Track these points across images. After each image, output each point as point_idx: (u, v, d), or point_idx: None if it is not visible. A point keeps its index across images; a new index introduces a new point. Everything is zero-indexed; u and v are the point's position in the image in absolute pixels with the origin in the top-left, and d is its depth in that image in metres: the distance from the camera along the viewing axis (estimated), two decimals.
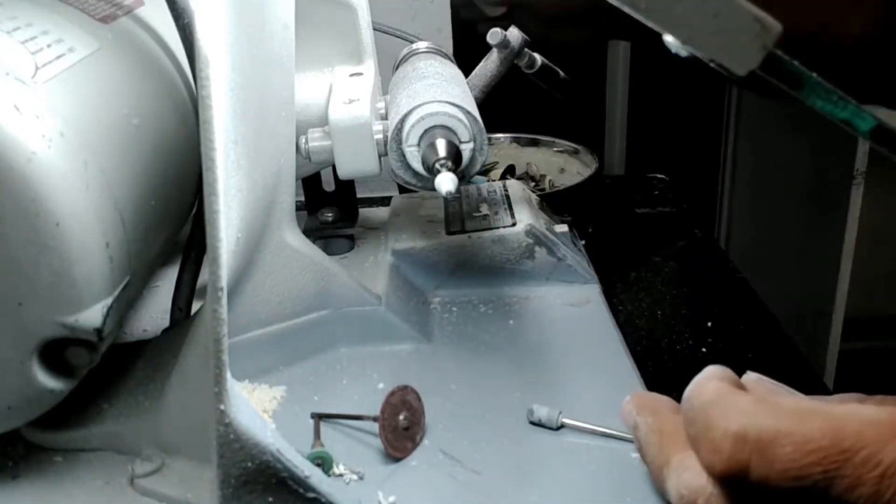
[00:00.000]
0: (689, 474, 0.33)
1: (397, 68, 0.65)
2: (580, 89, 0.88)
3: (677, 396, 0.38)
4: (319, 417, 0.48)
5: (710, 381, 0.34)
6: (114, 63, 0.47)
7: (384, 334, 0.56)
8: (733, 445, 0.30)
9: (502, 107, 0.84)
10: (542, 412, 0.47)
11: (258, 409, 0.47)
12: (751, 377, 0.38)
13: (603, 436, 0.46)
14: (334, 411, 0.48)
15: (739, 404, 0.31)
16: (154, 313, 0.62)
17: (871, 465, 0.28)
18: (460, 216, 0.66)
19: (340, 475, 0.44)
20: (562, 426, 0.47)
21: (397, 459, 0.45)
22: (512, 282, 0.63)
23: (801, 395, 0.36)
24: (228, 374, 0.36)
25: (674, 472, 0.34)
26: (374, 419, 0.45)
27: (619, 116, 1.25)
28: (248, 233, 0.47)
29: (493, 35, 0.81)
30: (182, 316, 0.52)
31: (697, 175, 1.41)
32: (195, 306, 0.53)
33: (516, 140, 1.00)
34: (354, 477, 0.44)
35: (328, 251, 0.65)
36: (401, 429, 0.46)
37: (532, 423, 0.47)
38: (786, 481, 0.29)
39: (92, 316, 0.40)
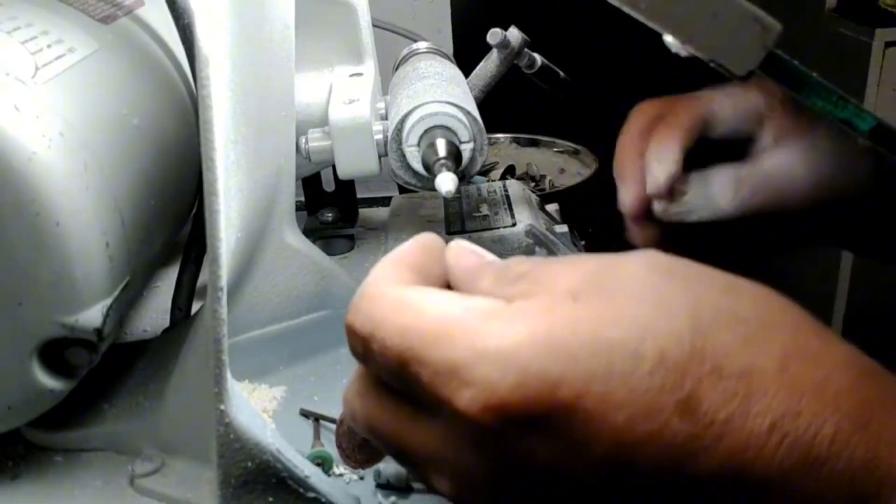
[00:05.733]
0: None
1: (397, 68, 0.65)
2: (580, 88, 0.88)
3: None
4: (307, 415, 0.48)
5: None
6: (113, 63, 0.47)
7: None
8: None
9: (502, 107, 0.84)
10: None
11: (258, 409, 0.47)
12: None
13: None
14: (334, 411, 0.48)
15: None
16: (154, 313, 0.62)
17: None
18: (460, 216, 0.66)
19: (340, 475, 0.44)
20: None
21: (353, 469, 0.44)
22: None
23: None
24: (228, 374, 0.36)
25: None
26: (333, 421, 0.45)
27: None
28: (248, 233, 0.47)
29: (493, 35, 0.81)
30: (182, 316, 0.52)
31: None
32: (195, 306, 0.53)
33: (516, 140, 1.00)
34: (354, 477, 0.44)
35: (328, 251, 0.64)
36: (360, 438, 0.45)
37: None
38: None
39: (92, 316, 0.40)
